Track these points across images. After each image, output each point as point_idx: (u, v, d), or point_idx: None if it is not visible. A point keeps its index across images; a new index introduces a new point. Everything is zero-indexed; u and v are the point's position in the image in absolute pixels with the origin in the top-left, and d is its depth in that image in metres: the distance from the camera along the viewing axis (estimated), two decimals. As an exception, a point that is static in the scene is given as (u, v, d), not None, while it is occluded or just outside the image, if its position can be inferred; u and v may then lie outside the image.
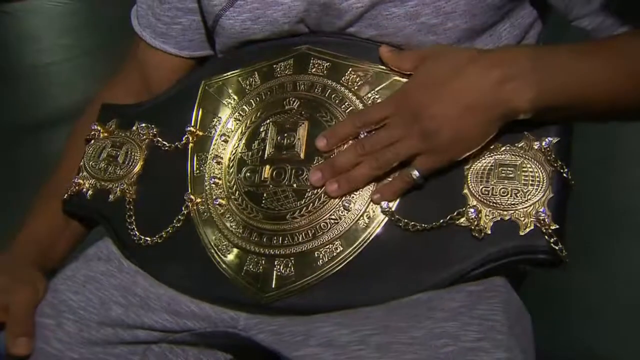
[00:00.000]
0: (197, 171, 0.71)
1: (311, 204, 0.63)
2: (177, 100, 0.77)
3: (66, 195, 0.76)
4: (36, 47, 3.42)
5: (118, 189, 0.74)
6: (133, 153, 0.76)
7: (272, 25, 0.69)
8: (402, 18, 0.64)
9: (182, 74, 0.82)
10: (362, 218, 0.62)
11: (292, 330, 0.60)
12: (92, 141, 0.78)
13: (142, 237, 0.71)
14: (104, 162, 0.76)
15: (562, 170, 0.59)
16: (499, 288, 0.59)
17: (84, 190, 0.76)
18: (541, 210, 0.57)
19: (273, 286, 0.63)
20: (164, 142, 0.75)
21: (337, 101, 0.66)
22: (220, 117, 0.72)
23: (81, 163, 0.77)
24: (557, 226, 0.57)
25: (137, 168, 0.75)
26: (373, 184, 0.63)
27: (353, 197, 0.63)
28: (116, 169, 0.75)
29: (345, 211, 0.63)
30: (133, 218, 0.72)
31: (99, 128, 0.78)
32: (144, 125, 0.76)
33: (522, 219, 0.58)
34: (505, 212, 0.58)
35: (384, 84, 0.66)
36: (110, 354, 0.66)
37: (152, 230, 0.71)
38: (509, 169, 0.60)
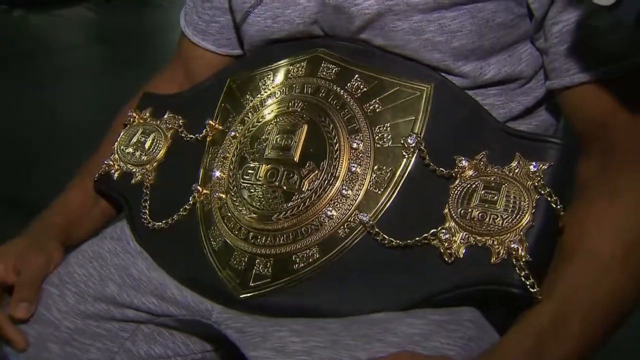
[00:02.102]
0: (209, 164, 0.73)
1: (296, 207, 0.63)
2: (205, 95, 0.79)
3: (97, 174, 0.81)
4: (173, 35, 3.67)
5: (139, 173, 0.78)
6: (158, 141, 0.79)
7: (290, 25, 0.70)
8: (407, 32, 0.62)
9: (219, 68, 0.84)
10: (342, 227, 0.61)
11: (253, 331, 0.60)
12: (127, 126, 0.83)
13: (151, 220, 0.74)
14: (133, 147, 0.80)
15: (549, 199, 0.54)
16: (466, 322, 0.56)
17: (112, 171, 0.80)
18: (515, 239, 0.53)
19: (250, 284, 0.64)
20: (187, 133, 0.77)
21: (337, 107, 0.65)
22: (236, 114, 0.73)
23: (114, 146, 0.82)
24: (531, 258, 0.53)
25: (160, 156, 0.78)
26: (357, 192, 0.61)
27: (337, 204, 0.62)
28: (142, 154, 0.79)
29: (328, 218, 0.62)
30: (148, 202, 0.76)
31: (134, 115, 0.83)
32: (172, 115, 0.80)
33: (496, 247, 0.54)
34: (480, 238, 0.55)
35: (386, 94, 0.64)
36: (103, 328, 0.70)
37: (162, 215, 0.74)
38: (492, 192, 0.56)
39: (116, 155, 0.81)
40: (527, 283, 0.52)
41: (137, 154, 0.80)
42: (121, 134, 0.82)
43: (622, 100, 0.57)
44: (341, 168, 0.63)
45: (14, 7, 4.13)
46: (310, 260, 0.62)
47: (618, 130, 0.58)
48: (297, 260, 0.62)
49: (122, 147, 0.81)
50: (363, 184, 0.62)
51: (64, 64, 3.41)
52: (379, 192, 0.61)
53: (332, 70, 0.68)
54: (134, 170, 0.79)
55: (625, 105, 0.57)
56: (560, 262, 0.56)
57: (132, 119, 0.83)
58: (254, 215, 0.65)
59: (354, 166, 0.62)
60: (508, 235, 0.54)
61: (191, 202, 0.72)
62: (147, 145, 0.79)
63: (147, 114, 0.83)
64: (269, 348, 0.58)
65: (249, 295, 0.63)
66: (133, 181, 0.78)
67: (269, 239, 0.64)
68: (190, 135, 0.77)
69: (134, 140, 0.81)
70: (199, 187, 0.71)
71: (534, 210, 0.54)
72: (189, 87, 0.86)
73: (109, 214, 0.83)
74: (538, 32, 0.62)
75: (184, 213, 0.72)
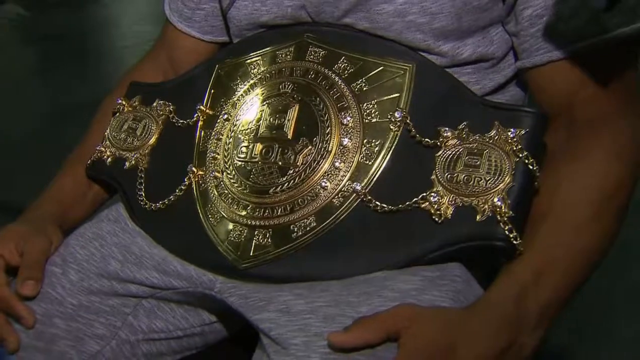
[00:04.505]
0: (202, 147, 0.77)
1: (292, 181, 0.67)
2: (194, 81, 0.83)
3: (89, 161, 0.83)
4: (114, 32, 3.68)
5: (133, 158, 0.81)
6: (150, 127, 0.82)
7: (278, 7, 0.74)
8: (391, 14, 0.67)
9: (205, 57, 0.88)
10: (336, 197, 0.66)
11: (258, 296, 0.64)
12: (117, 114, 0.86)
13: (148, 202, 0.77)
14: (124, 133, 0.83)
15: (526, 161, 0.60)
16: (455, 277, 0.61)
17: (105, 157, 0.83)
18: (498, 197, 0.59)
19: (251, 254, 0.68)
20: (178, 119, 0.81)
21: (327, 87, 0.70)
22: (226, 99, 0.77)
23: (105, 133, 0.85)
24: (513, 214, 0.58)
25: (152, 141, 0.82)
26: (349, 164, 0.66)
27: (331, 176, 0.66)
28: (134, 140, 0.82)
29: (322, 189, 0.66)
30: (143, 185, 0.79)
31: (123, 103, 0.86)
32: (162, 102, 0.83)
33: (481, 206, 0.60)
34: (466, 199, 0.60)
35: (371, 74, 0.69)
36: (106, 304, 0.73)
37: (158, 196, 0.77)
38: (475, 157, 0.62)
39: (107, 142, 0.84)
40: (511, 236, 0.58)
41: (130, 139, 0.83)
42: (112, 122, 0.85)
43: (586, 77, 0.64)
44: (333, 142, 0.67)
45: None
46: (308, 228, 0.66)
47: (581, 105, 0.64)
48: (295, 229, 0.66)
49: (113, 134, 0.84)
50: (354, 157, 0.66)
51: (59, 52, 3.45)
52: (370, 163, 0.66)
53: (320, 53, 0.72)
54: (127, 155, 0.82)
55: (588, 82, 0.64)
56: (535, 221, 0.62)
57: (121, 107, 0.86)
58: (251, 191, 0.69)
59: (344, 140, 0.67)
60: (491, 194, 0.60)
61: (186, 182, 0.75)
62: (138, 132, 0.83)
63: (137, 102, 0.86)
64: (273, 310, 0.62)
65: (249, 264, 0.67)
66: (127, 166, 0.81)
67: (267, 211, 0.68)
68: (182, 121, 0.80)
69: (125, 127, 0.84)
70: (193, 168, 0.75)
71: (513, 172, 0.60)
72: (173, 74, 0.89)
73: (102, 198, 0.86)
74: (509, 16, 0.68)
75: (180, 193, 0.75)
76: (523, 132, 0.61)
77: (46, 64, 3.43)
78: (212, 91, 0.79)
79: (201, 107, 0.78)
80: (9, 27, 4.14)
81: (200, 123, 0.78)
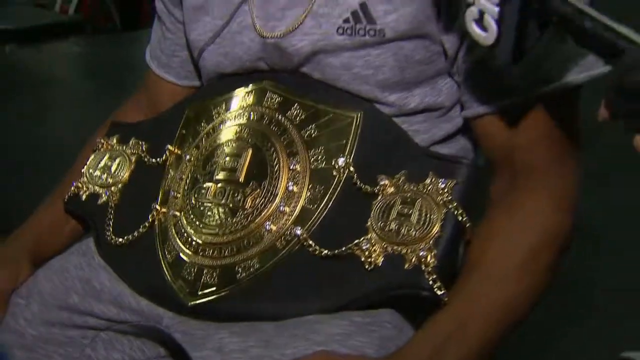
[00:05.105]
0: (167, 186, 0.80)
1: (240, 223, 0.70)
2: (167, 122, 0.86)
3: (66, 196, 0.88)
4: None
5: (106, 194, 0.85)
6: (123, 165, 0.86)
7: (238, 61, 0.77)
8: (338, 67, 0.70)
9: (181, 98, 0.92)
10: (279, 240, 0.68)
11: (199, 333, 0.67)
12: (96, 151, 0.90)
13: (114, 237, 0.80)
14: (100, 171, 0.87)
15: (456, 212, 0.61)
16: (385, 324, 0.63)
17: (81, 193, 0.87)
18: (425, 248, 0.60)
19: (198, 293, 0.70)
20: (149, 158, 0.84)
21: (279, 133, 0.73)
22: (192, 140, 0.81)
23: (83, 169, 0.89)
24: (438, 264, 0.60)
25: (124, 178, 0.85)
26: (294, 208, 0.68)
27: (275, 219, 0.69)
28: (108, 177, 0.86)
29: (267, 232, 0.69)
30: (111, 220, 0.82)
31: (102, 141, 0.90)
32: (136, 141, 0.87)
33: (409, 255, 0.61)
34: (396, 247, 0.62)
35: (321, 121, 0.72)
36: (65, 335, 0.77)
37: (124, 232, 0.80)
38: (407, 206, 0.63)
39: (85, 178, 0.88)
40: (435, 286, 0.59)
41: (104, 176, 0.86)
42: (90, 159, 0.89)
43: (522, 128, 0.65)
44: (280, 187, 0.70)
45: (6, 43, 4.25)
46: (251, 269, 0.68)
47: (520, 154, 0.65)
48: (240, 270, 0.69)
49: (90, 171, 0.88)
50: (299, 201, 0.69)
51: (51, 98, 3.51)
52: (313, 208, 0.68)
53: (275, 100, 0.75)
54: (101, 191, 0.86)
55: (524, 132, 0.65)
56: (465, 272, 0.63)
57: (100, 145, 0.90)
58: (204, 231, 0.72)
59: (291, 185, 0.69)
60: (419, 244, 0.61)
61: (150, 219, 0.79)
62: (113, 169, 0.86)
63: (114, 141, 0.90)
64: (209, 348, 0.64)
65: (197, 302, 0.70)
66: (99, 202, 0.85)
67: (215, 251, 0.71)
68: (152, 160, 0.84)
69: (102, 164, 0.88)
70: (157, 207, 0.78)
71: (442, 223, 0.61)
72: (152, 115, 0.94)
73: (78, 232, 0.90)
74: (452, 68, 0.70)
75: (143, 230, 0.79)
76: (453, 183, 0.63)
77: (92, 98, 3.53)
78: (183, 132, 0.83)
79: (170, 147, 0.82)
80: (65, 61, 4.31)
81: (169, 162, 0.82)
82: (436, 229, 0.61)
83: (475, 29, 0.51)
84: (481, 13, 0.50)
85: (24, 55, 4.24)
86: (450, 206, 0.62)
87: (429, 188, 0.64)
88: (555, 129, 0.64)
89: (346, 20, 0.68)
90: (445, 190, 0.62)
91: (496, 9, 0.49)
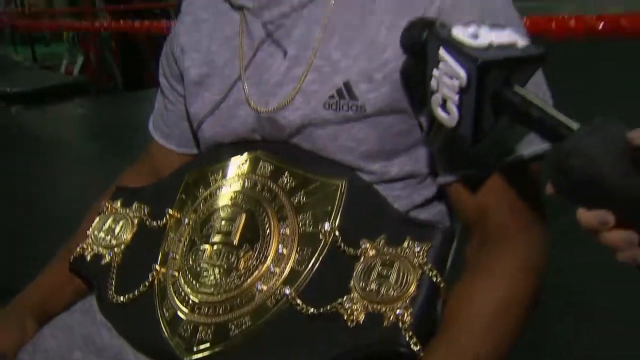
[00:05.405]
0: (167, 247, 0.86)
1: (233, 283, 0.76)
2: (167, 187, 0.93)
3: (72, 256, 0.93)
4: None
5: (108, 255, 0.91)
6: (126, 227, 0.92)
7: (234, 132, 0.85)
8: (325, 139, 0.77)
9: (181, 165, 0.98)
10: (270, 299, 0.74)
11: None
12: (101, 214, 0.96)
13: (116, 295, 0.86)
14: (104, 232, 0.93)
15: (430, 273, 0.67)
16: None
17: (86, 253, 0.93)
18: (402, 306, 0.66)
19: (194, 349, 0.75)
20: (151, 221, 0.91)
21: (270, 199, 0.79)
22: (191, 204, 0.87)
23: (88, 231, 0.95)
24: (414, 322, 0.65)
25: (127, 240, 0.91)
26: (283, 269, 0.74)
27: (266, 279, 0.74)
28: (111, 239, 0.92)
29: (258, 292, 0.74)
30: (114, 280, 0.88)
31: (107, 204, 0.96)
32: (139, 205, 0.93)
33: (388, 313, 0.67)
34: (376, 306, 0.67)
35: (309, 188, 0.78)
36: None
37: (125, 291, 0.86)
38: (386, 268, 0.69)
39: (90, 240, 0.94)
40: (411, 342, 0.64)
41: (108, 238, 0.92)
42: (95, 221, 0.96)
43: (489, 196, 0.71)
44: (271, 249, 0.76)
45: (13, 104, 4.39)
46: (243, 327, 0.73)
47: (487, 221, 0.71)
48: (233, 327, 0.74)
49: (95, 233, 0.94)
50: (288, 263, 0.74)
51: (56, 159, 3.60)
52: (301, 269, 0.74)
53: (268, 168, 0.82)
54: (104, 252, 0.91)
55: (491, 200, 0.71)
56: (445, 328, 0.68)
57: (105, 209, 0.96)
58: (200, 290, 0.78)
59: (281, 248, 0.75)
60: (397, 303, 0.66)
61: (150, 279, 0.84)
62: (116, 231, 0.93)
63: (118, 204, 0.96)
64: None
65: (193, 358, 0.74)
66: (103, 262, 0.90)
67: (210, 309, 0.76)
68: (154, 223, 0.90)
69: (106, 226, 0.94)
70: (157, 267, 0.84)
71: (418, 283, 0.67)
72: (154, 180, 1.00)
73: (82, 290, 0.95)
74: (428, 139, 0.77)
75: (143, 289, 0.84)
76: (428, 247, 0.69)
77: (96, 159, 3.60)
78: (182, 196, 0.89)
79: (170, 211, 0.88)
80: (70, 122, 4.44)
81: (169, 225, 0.88)
82: (412, 289, 0.67)
83: (440, 113, 0.58)
84: (444, 100, 0.57)
85: (30, 117, 4.38)
86: (425, 268, 0.67)
87: (406, 251, 0.69)
88: (519, 198, 0.71)
89: (332, 97, 0.76)
90: (421, 253, 0.68)
91: (456, 97, 0.56)
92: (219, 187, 0.85)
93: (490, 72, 0.54)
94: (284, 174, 0.80)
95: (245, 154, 0.85)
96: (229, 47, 0.86)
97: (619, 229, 0.50)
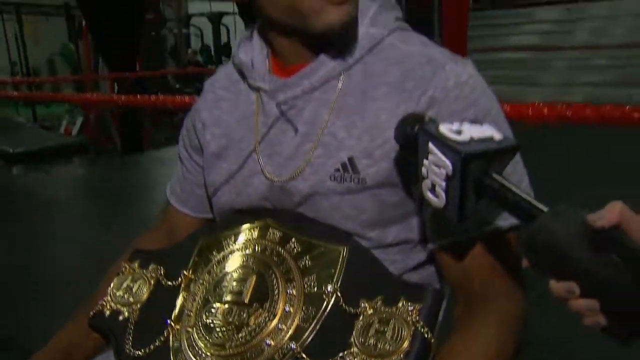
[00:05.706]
0: (182, 305, 0.94)
1: (244, 338, 0.84)
2: (183, 250, 1.02)
3: (92, 312, 1.01)
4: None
5: (126, 311, 0.99)
6: (143, 287, 1.01)
7: (248, 199, 0.95)
8: (328, 209, 0.87)
9: (195, 228, 1.08)
10: (277, 353, 0.82)
11: None
12: (120, 274, 1.05)
13: (132, 350, 0.93)
14: (122, 291, 1.01)
15: (422, 330, 0.76)
16: None
17: (105, 310, 1.01)
18: (396, 359, 0.74)
19: None
20: (166, 281, 0.99)
21: (279, 263, 0.88)
22: (204, 266, 0.96)
23: (108, 290, 1.03)
24: None
25: (144, 298, 0.99)
26: (290, 325, 0.82)
27: (274, 335, 0.82)
28: (130, 297, 1.00)
29: (267, 346, 0.82)
30: (131, 335, 0.96)
31: (126, 265, 1.05)
32: (155, 266, 1.02)
33: None
34: (374, 359, 0.76)
35: (314, 253, 0.88)
36: None
37: (141, 345, 0.93)
38: (383, 325, 0.78)
39: (109, 297, 1.02)
40: None
41: (126, 296, 1.01)
42: (114, 281, 1.04)
43: (472, 262, 0.81)
44: (279, 308, 0.84)
45: (14, 165, 4.50)
46: None
47: (471, 286, 0.81)
48: None
49: (114, 291, 1.02)
50: (294, 320, 0.83)
51: (57, 219, 3.67)
52: (306, 326, 0.82)
53: (277, 235, 0.91)
54: (122, 309, 0.99)
55: (474, 267, 0.81)
56: None
57: (124, 269, 1.05)
58: (212, 345, 0.86)
59: (288, 307, 0.84)
60: (393, 356, 0.75)
61: (165, 334, 0.92)
62: (134, 290, 1.01)
63: (136, 265, 1.05)
64: None
65: None
66: (121, 318, 0.98)
67: None
68: (169, 283, 0.98)
69: (124, 285, 1.02)
70: (172, 323, 0.92)
71: (411, 339, 0.76)
72: (170, 242, 1.09)
73: (100, 345, 1.02)
74: (420, 211, 0.87)
75: (159, 344, 0.92)
76: (420, 306, 0.78)
77: (94, 219, 3.67)
78: (196, 259, 0.98)
79: (185, 272, 0.96)
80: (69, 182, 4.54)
81: (183, 285, 0.96)
82: (406, 344, 0.75)
83: (429, 196, 0.68)
84: (433, 185, 0.67)
85: (30, 178, 4.48)
86: (417, 325, 0.76)
87: (401, 310, 0.78)
88: (500, 264, 0.81)
89: (337, 170, 0.86)
90: (414, 312, 0.77)
91: (443, 183, 0.66)
92: (232, 252, 0.94)
93: (472, 163, 0.65)
94: (291, 240, 0.90)
95: (256, 222, 0.95)
96: (246, 123, 0.97)
97: (584, 298, 0.59)
